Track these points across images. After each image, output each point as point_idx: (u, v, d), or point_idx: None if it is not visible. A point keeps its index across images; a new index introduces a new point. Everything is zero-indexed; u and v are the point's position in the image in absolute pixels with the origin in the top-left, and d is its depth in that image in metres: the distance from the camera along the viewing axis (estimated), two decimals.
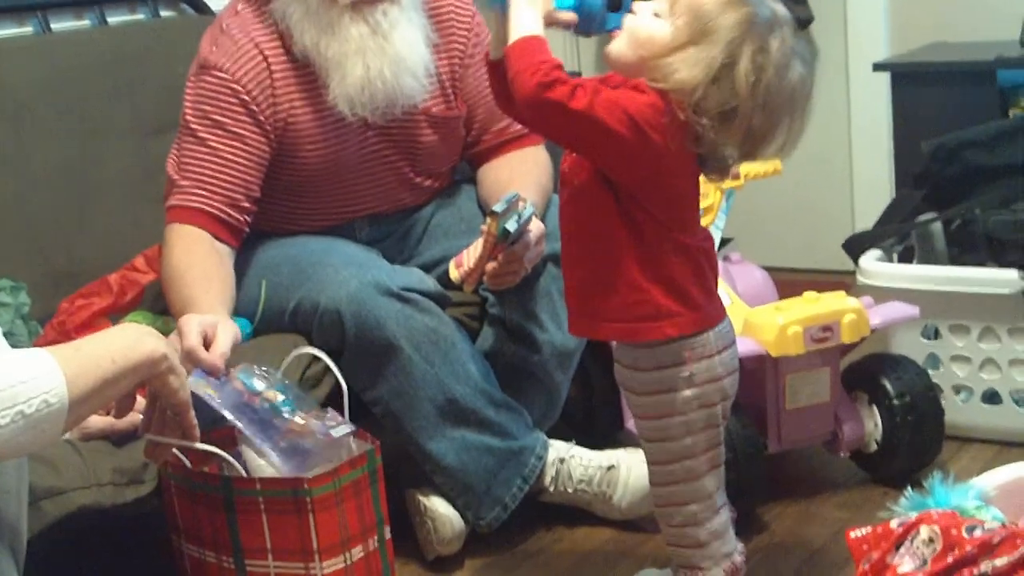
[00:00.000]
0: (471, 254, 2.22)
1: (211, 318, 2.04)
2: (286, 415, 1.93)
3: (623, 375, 1.95)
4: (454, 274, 2.25)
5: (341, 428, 1.96)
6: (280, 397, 1.94)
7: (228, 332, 2.03)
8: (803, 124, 1.81)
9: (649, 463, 1.96)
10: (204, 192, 2.30)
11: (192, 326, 2.00)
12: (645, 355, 1.89)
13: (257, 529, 1.89)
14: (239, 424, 1.91)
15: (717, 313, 1.91)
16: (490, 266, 2.21)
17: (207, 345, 1.99)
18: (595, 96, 1.74)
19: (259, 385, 1.94)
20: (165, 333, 2.29)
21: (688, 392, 1.88)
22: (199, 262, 2.23)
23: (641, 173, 1.81)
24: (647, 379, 1.90)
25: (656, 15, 1.79)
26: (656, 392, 1.90)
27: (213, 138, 2.32)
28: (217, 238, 2.29)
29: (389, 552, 1.99)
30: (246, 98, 2.33)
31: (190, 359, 1.96)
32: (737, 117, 1.74)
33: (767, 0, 1.79)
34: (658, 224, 1.83)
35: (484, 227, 2.17)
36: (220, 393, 1.93)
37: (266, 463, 1.97)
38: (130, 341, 1.65)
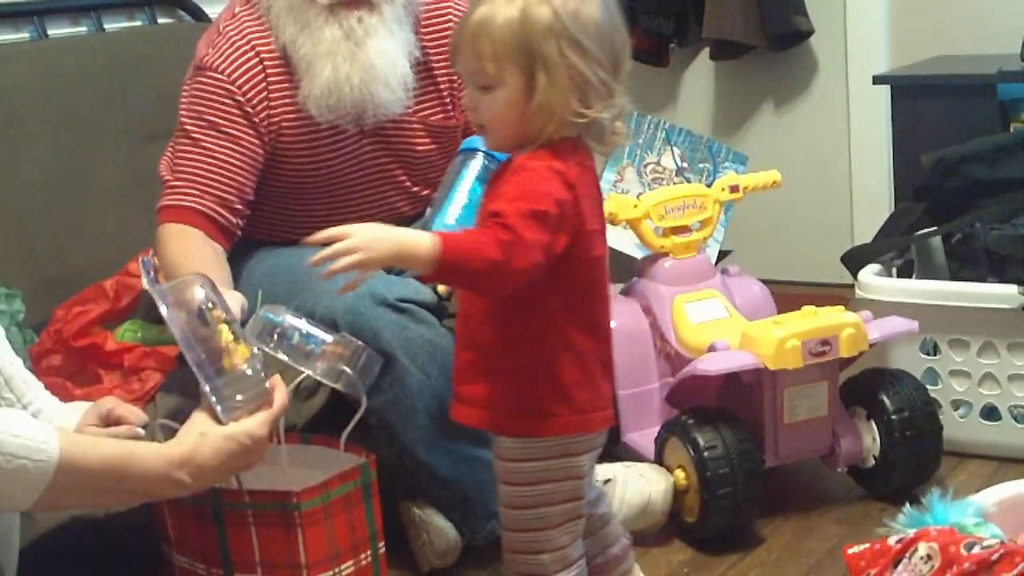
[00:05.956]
0: None
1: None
2: (316, 343, 1.90)
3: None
4: (441, 287, 2.24)
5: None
6: (309, 325, 1.92)
7: (234, 298, 2.00)
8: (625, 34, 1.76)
9: (503, 505, 1.88)
10: (196, 192, 2.29)
11: None
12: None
13: (246, 543, 1.87)
14: (278, 354, 1.87)
15: (605, 419, 1.83)
16: None
17: None
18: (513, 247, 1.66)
19: (290, 319, 1.90)
20: (160, 342, 2.30)
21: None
22: (195, 254, 2.22)
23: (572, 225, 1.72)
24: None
25: (487, 88, 1.73)
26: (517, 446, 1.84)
27: (207, 139, 2.31)
28: (209, 237, 2.27)
29: (383, 567, 1.97)
30: (241, 99, 2.32)
31: None
32: (592, 81, 1.69)
33: None
34: (556, 316, 1.76)
35: None
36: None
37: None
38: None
